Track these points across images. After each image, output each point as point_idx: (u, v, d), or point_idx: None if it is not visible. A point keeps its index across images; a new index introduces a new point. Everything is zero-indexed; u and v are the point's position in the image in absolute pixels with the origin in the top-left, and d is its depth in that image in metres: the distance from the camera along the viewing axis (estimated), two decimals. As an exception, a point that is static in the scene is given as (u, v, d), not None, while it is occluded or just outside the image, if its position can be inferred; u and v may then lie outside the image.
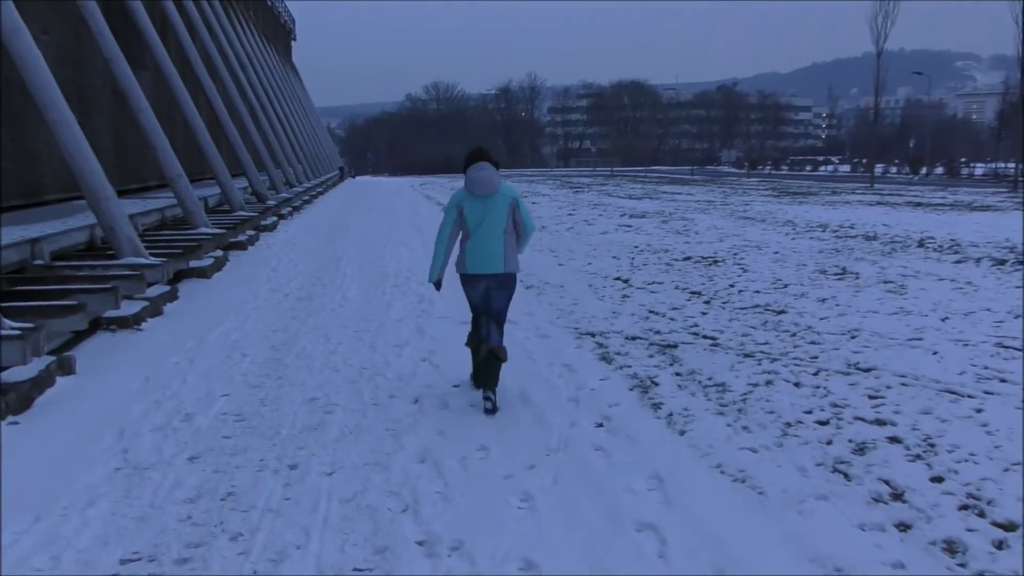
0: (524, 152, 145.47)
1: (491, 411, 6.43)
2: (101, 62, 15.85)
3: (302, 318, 10.33)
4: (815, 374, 7.22)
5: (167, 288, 11.32)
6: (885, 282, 11.75)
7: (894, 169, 69.78)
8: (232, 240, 16.83)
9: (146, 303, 10.18)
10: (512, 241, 6.55)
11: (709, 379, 7.17)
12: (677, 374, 7.38)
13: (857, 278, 12.11)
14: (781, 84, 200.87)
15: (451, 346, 8.60)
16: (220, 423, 6.34)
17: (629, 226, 21.07)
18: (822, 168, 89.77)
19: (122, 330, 9.46)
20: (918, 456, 5.35)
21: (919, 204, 28.47)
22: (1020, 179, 41.43)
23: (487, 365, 6.62)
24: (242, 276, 13.82)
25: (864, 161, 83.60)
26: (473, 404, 6.70)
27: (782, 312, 9.90)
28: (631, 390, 6.98)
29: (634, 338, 8.81)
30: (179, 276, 12.84)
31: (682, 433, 5.91)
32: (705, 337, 8.73)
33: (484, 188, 6.39)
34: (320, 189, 43.64)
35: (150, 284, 10.91)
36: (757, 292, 11.18)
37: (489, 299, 6.61)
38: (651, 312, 10.13)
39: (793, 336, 8.64)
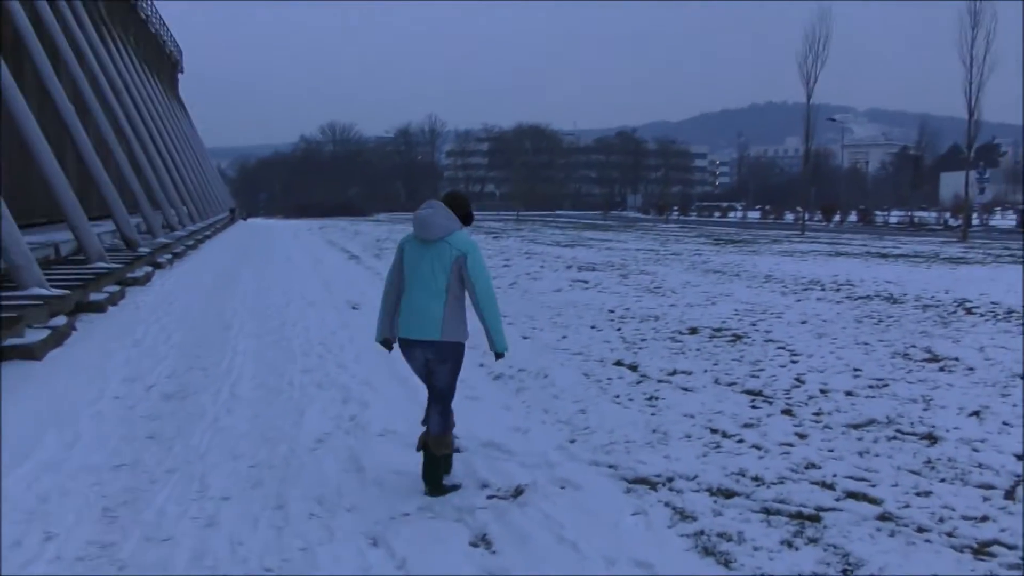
0: (424, 195, 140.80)
1: None
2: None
3: (166, 439, 6.62)
4: None
5: (-44, 387, 7.31)
6: (1019, 376, 8.31)
7: (806, 216, 69.15)
8: (82, 301, 12.67)
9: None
10: (455, 303, 5.21)
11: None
12: (882, 605, 3.83)
13: (971, 370, 8.60)
14: (672, 132, 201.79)
15: (412, 507, 5.02)
16: None
17: (585, 281, 17.52)
18: (731, 214, 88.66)
19: None
20: None
21: (884, 255, 25.80)
22: (968, 227, 40.38)
23: (425, 460, 5.33)
24: (89, 356, 9.86)
25: (768, 207, 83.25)
26: None
27: (933, 439, 6.29)
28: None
29: (728, 494, 5.25)
30: (-15, 362, 8.77)
31: None
32: (854, 496, 5.17)
33: (424, 230, 5.23)
34: (208, 232, 39.41)
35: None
36: (849, 394, 7.60)
37: (429, 374, 5.34)
38: (715, 432, 6.57)
39: (1011, 502, 5.09)
